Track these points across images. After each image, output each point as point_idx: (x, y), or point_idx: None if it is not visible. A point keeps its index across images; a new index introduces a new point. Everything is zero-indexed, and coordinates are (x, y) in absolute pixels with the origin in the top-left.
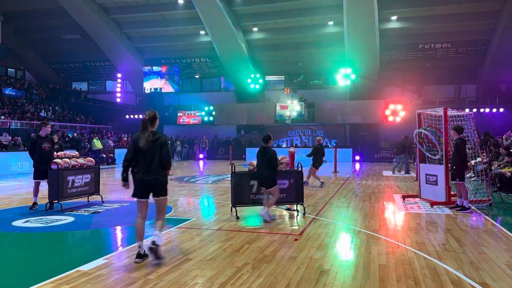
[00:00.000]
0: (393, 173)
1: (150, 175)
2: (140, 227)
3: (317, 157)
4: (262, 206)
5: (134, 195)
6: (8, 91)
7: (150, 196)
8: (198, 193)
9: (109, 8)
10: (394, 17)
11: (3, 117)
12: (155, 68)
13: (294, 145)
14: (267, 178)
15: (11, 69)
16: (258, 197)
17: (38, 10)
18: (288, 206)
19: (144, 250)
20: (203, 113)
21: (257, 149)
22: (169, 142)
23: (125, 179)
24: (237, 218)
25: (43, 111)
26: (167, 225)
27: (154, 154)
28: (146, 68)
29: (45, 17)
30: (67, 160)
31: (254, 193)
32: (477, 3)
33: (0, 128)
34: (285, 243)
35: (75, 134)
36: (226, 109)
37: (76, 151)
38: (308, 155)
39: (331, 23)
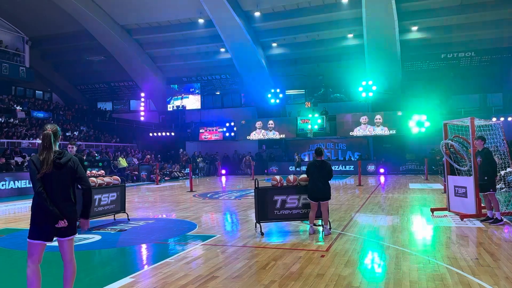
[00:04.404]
0: None
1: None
2: (37, 279)
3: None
4: (309, 224)
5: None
6: (36, 113)
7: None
8: (222, 209)
9: (132, 30)
10: (414, 28)
11: (31, 138)
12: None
13: None
14: (327, 190)
15: (38, 92)
16: (283, 212)
17: (63, 33)
18: (314, 221)
19: None
20: (225, 129)
21: (281, 163)
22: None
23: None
24: (262, 234)
25: (69, 131)
26: (192, 242)
27: (60, 180)
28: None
29: (70, 40)
30: (94, 178)
31: (278, 208)
32: (500, 10)
33: (29, 149)
34: (312, 259)
35: (101, 154)
36: (247, 124)
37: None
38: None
39: (351, 35)
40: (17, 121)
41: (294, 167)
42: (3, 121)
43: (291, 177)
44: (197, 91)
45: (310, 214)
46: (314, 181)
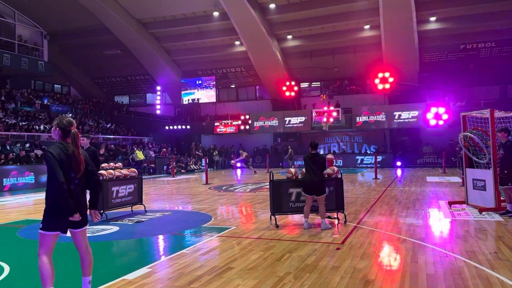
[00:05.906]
0: None
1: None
2: (50, 270)
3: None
4: (304, 217)
5: (58, 228)
6: (55, 107)
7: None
8: (237, 202)
9: (148, 23)
10: (433, 18)
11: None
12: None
13: (332, 152)
14: (319, 184)
15: (57, 85)
16: (298, 205)
17: (81, 28)
18: (328, 214)
19: None
20: (240, 122)
21: (296, 156)
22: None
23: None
24: (277, 226)
25: (86, 124)
26: (208, 233)
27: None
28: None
29: (87, 35)
30: (112, 171)
31: (293, 201)
32: None
33: (50, 142)
34: (327, 252)
35: (113, 146)
36: (262, 117)
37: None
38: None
39: (367, 27)
40: (37, 114)
41: (288, 159)
42: (23, 114)
43: None
44: (204, 84)
45: (305, 208)
46: (307, 173)
